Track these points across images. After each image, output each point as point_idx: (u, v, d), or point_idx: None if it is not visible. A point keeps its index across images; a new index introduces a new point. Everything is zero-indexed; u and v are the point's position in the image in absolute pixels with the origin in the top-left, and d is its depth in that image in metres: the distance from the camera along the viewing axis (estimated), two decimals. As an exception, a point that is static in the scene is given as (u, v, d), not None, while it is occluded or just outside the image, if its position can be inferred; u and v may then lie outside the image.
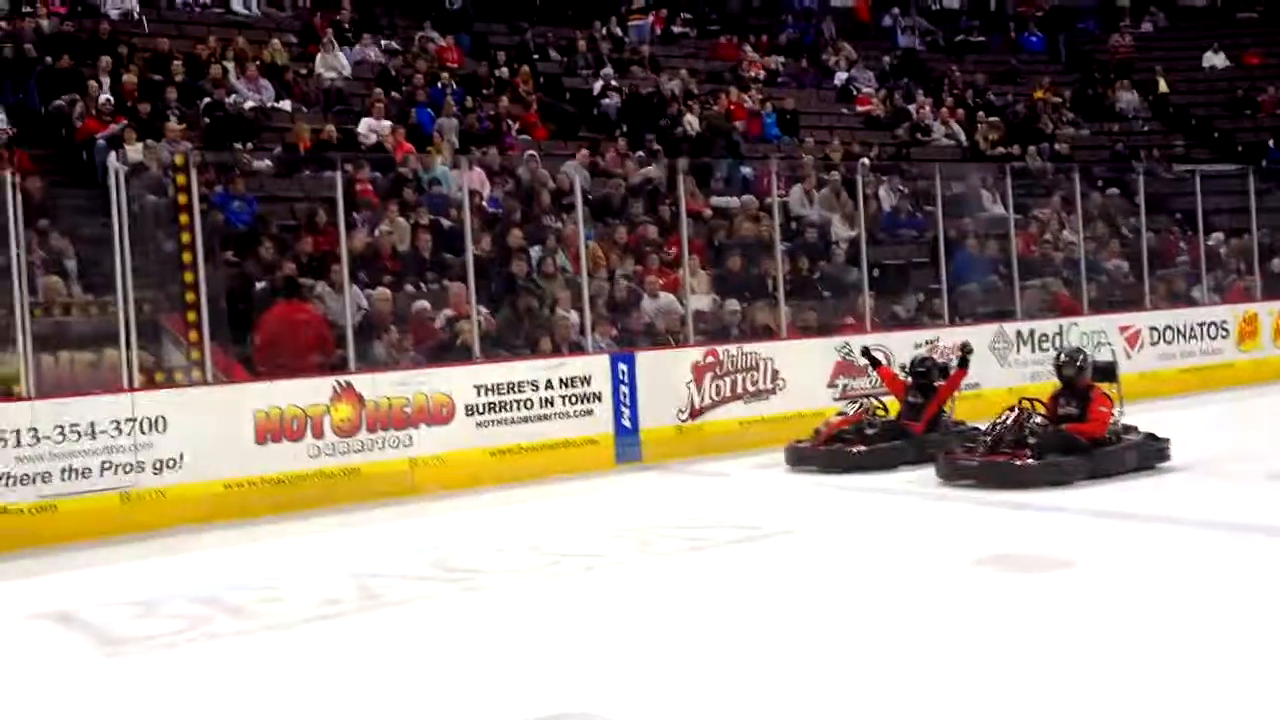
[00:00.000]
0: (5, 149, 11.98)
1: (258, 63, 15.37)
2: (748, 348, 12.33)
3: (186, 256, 9.83)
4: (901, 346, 12.87)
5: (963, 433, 10.73)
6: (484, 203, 13.49)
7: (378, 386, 10.14)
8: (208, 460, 9.32)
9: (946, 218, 14.67)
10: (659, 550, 7.93)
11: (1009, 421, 9.70)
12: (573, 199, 12.58)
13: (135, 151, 12.17)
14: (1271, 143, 22.09)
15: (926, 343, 13.21)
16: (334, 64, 16.21)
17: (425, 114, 15.35)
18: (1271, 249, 17.33)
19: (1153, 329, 15.20)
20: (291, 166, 13.52)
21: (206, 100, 14.17)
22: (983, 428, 10.12)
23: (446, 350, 11.14)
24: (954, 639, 5.63)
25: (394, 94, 15.54)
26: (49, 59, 14.15)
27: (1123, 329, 14.86)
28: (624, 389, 11.45)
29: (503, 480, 10.46)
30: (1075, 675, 5.01)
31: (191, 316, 9.73)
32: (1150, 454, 9.79)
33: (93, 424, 8.91)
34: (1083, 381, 9.93)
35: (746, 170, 16.29)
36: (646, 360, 11.71)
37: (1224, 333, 15.86)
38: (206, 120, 13.88)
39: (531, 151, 14.93)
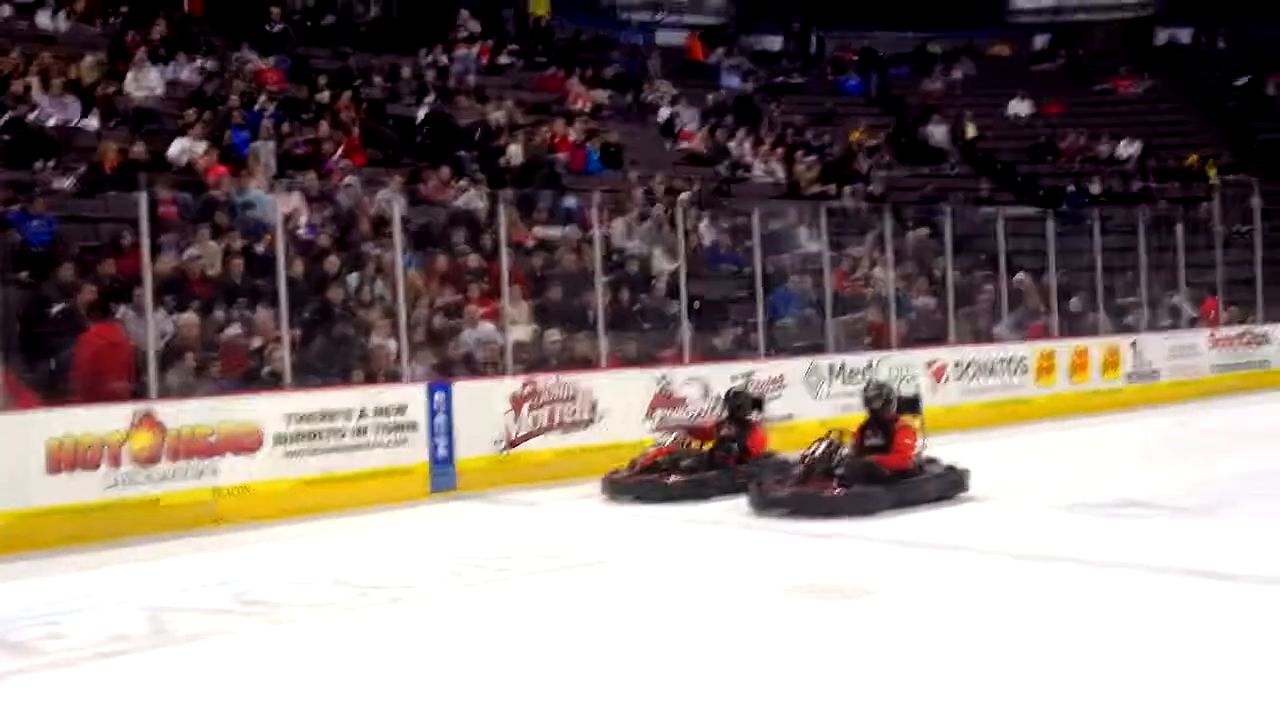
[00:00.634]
0: None
1: (64, 79, 14.79)
2: (566, 378, 12.34)
3: (-23, 276, 9.38)
4: (719, 378, 13.06)
5: (775, 463, 10.92)
6: (301, 229, 13.22)
7: (181, 414, 9.80)
8: (-5, 490, 8.86)
9: (765, 253, 15.00)
10: (468, 581, 7.85)
11: (818, 453, 9.93)
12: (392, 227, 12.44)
13: (-73, 166, 11.62)
14: (1071, 187, 23.23)
15: (743, 375, 13.44)
16: (145, 83, 15.70)
17: (241, 136, 14.98)
18: (1069, 289, 18.18)
19: (957, 364, 15.75)
20: (96, 186, 13.04)
21: (8, 116, 13.57)
22: (794, 458, 10.34)
23: (255, 378, 10.85)
24: (757, 666, 5.69)
25: (208, 114, 15.13)
26: None
27: (929, 364, 15.38)
28: (440, 418, 11.32)
29: (313, 511, 10.20)
30: (872, 701, 5.11)
31: (-20, 339, 9.27)
32: (950, 485, 10.12)
33: None
34: (888, 414, 10.22)
35: (570, 202, 16.34)
36: (464, 390, 11.60)
37: (1023, 369, 16.55)
38: (6, 137, 13.29)
39: (351, 177, 14.72)
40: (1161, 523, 8.92)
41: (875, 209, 17.73)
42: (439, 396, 11.34)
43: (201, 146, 14.19)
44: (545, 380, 12.16)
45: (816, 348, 14.78)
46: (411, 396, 11.19)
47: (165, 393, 9.98)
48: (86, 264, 11.15)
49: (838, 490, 9.54)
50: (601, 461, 11.41)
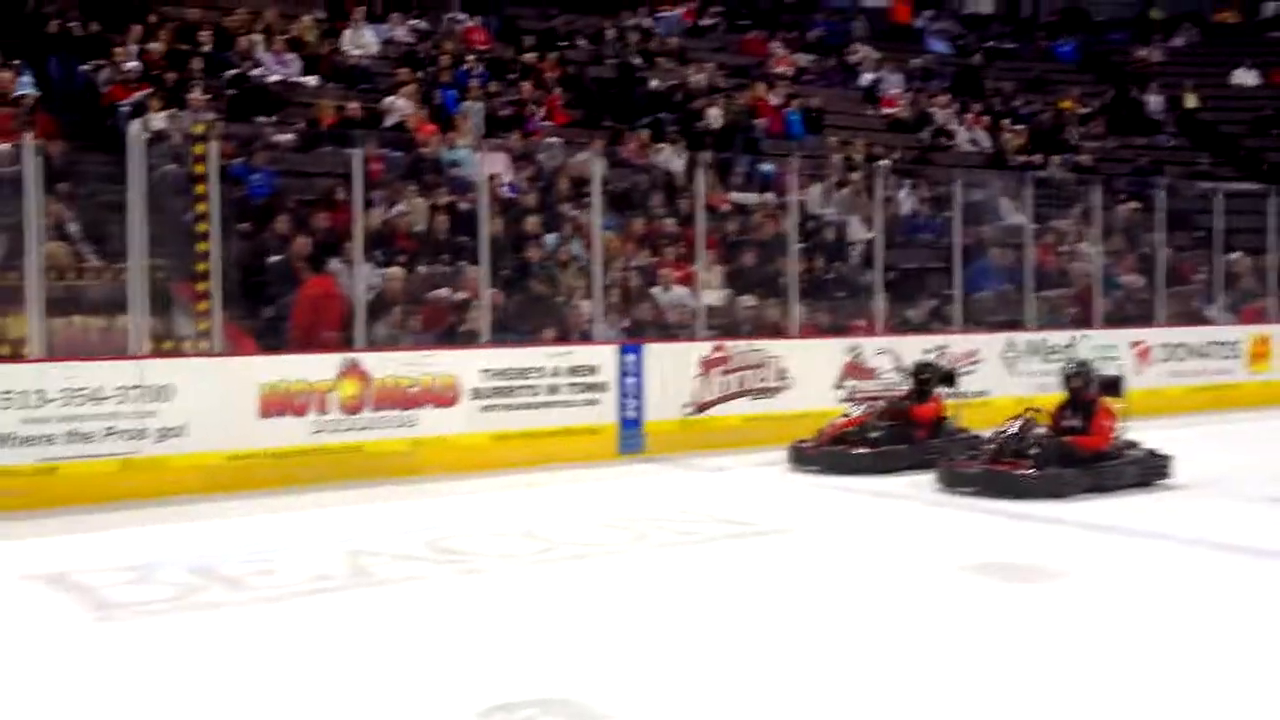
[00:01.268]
0: (29, 114, 12.06)
1: (285, 37, 15.44)
2: (757, 344, 12.36)
3: (202, 226, 9.91)
4: (911, 350, 12.88)
5: (965, 440, 10.74)
6: (503, 187, 13.53)
7: (384, 365, 10.20)
8: (211, 431, 9.39)
9: (965, 224, 14.69)
10: (653, 542, 7.97)
11: (1012, 431, 9.73)
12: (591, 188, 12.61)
13: (159, 120, 12.29)
14: (1297, 164, 21.98)
15: (936, 348, 13.22)
16: (361, 42, 16.25)
17: (450, 95, 15.39)
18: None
19: (1164, 345, 15.16)
20: (313, 142, 13.58)
21: (232, 72, 14.24)
22: (986, 436, 10.15)
23: (455, 333, 11.19)
24: (937, 644, 5.66)
25: (419, 74, 15.58)
26: (78, 25, 14.25)
27: (1134, 344, 14.84)
28: (630, 380, 11.48)
29: (505, 465, 10.52)
30: (1056, 685, 5.03)
31: (203, 286, 9.80)
32: (1150, 470, 9.79)
33: (99, 389, 8.99)
34: (1088, 395, 9.92)
35: (767, 167, 16.26)
36: (654, 352, 11.73)
37: (1235, 353, 15.81)
38: (231, 92, 13.94)
39: (554, 138, 14.97)
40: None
41: (1083, 181, 17.12)
42: (630, 358, 11.50)
43: (412, 105, 14.62)
44: (736, 345, 12.20)
45: (1014, 323, 14.43)
46: (603, 357, 11.38)
47: (371, 344, 10.40)
48: (302, 217, 11.64)
49: (1030, 471, 9.33)
50: (789, 429, 11.41)
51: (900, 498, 9.57)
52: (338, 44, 16.07)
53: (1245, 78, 24.97)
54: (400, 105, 14.54)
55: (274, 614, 6.24)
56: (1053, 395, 10.49)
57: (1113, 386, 10.32)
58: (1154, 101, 23.09)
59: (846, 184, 15.96)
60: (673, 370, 11.76)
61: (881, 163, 16.80)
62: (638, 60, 18.18)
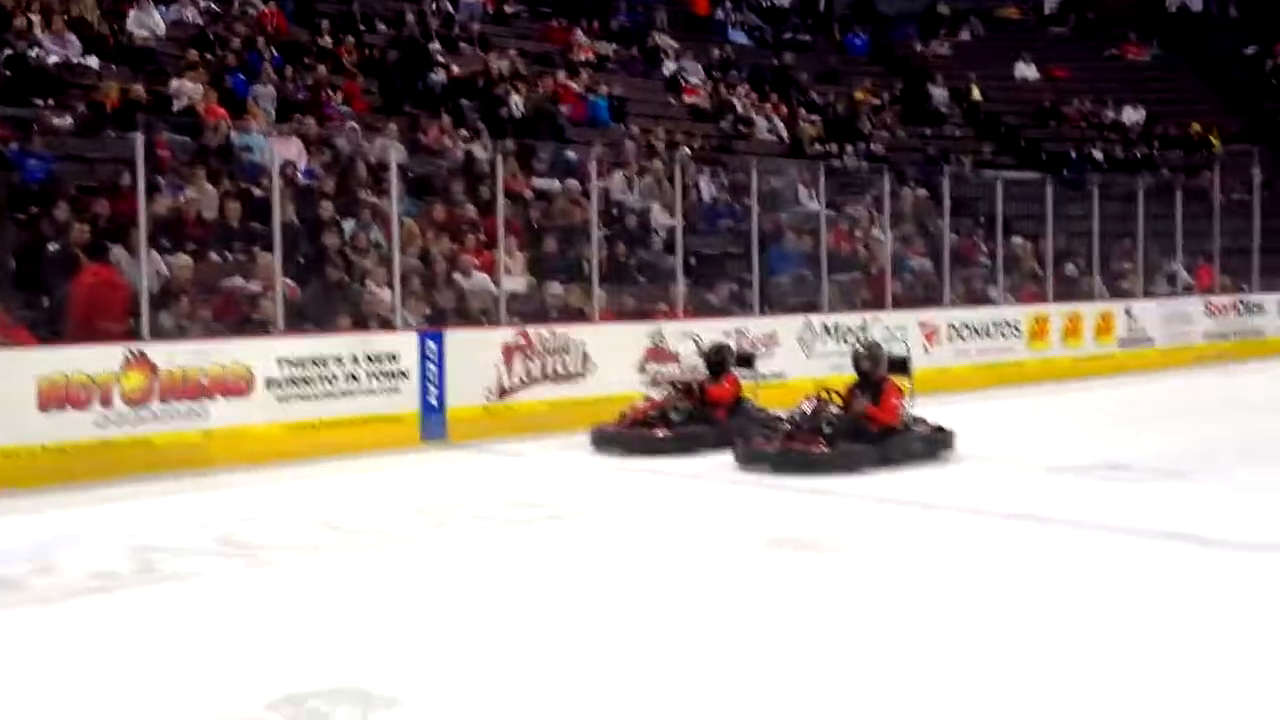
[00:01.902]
0: None
1: (65, 16, 14.74)
2: (559, 330, 12.40)
3: (-27, 213, 9.42)
4: (712, 334, 13.09)
5: (763, 420, 10.99)
6: (298, 173, 13.23)
7: (173, 356, 9.87)
8: (-15, 426, 8.95)
9: (763, 211, 15.03)
10: (452, 529, 7.93)
11: (806, 410, 10.01)
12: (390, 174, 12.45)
13: (-72, 103, 11.61)
14: (1073, 153, 23.16)
15: (736, 331, 13.50)
16: (147, 22, 15.65)
17: (240, 79, 14.96)
18: (1066, 254, 18.19)
19: (950, 326, 15.81)
20: (95, 126, 13.01)
21: (7, 53, 13.54)
22: (783, 415, 10.42)
23: (249, 322, 10.90)
24: (730, 617, 5.78)
25: (209, 57, 15.10)
26: None
27: (922, 325, 15.42)
28: (432, 367, 11.39)
29: (302, 456, 10.29)
30: (845, 652, 5.21)
31: (-26, 276, 9.32)
32: (936, 444, 10.21)
33: None
34: (877, 374, 10.28)
35: (570, 154, 16.33)
36: (456, 339, 11.66)
37: (1017, 332, 16.60)
38: (7, 73, 13.27)
39: (352, 124, 14.71)
40: (1142, 486, 8.98)
41: (876, 169, 17.71)
42: (431, 345, 11.40)
43: (201, 89, 14.16)
44: (538, 331, 12.21)
45: (811, 306, 14.83)
46: (404, 344, 11.26)
47: (158, 334, 10.05)
48: (83, 204, 11.17)
49: (824, 447, 9.62)
50: (592, 414, 11.49)
51: (699, 478, 9.74)
52: (122, 24, 15.44)
53: (1026, 71, 26.20)
54: (189, 89, 14.06)
55: (53, 615, 5.99)
56: (847, 375, 10.82)
57: (901, 366, 10.71)
58: (940, 94, 24.00)
59: (648, 171, 16.14)
60: (475, 357, 11.71)
61: (682, 151, 17.07)
62: (438, 46, 17.99)
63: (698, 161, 17.20)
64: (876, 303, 15.52)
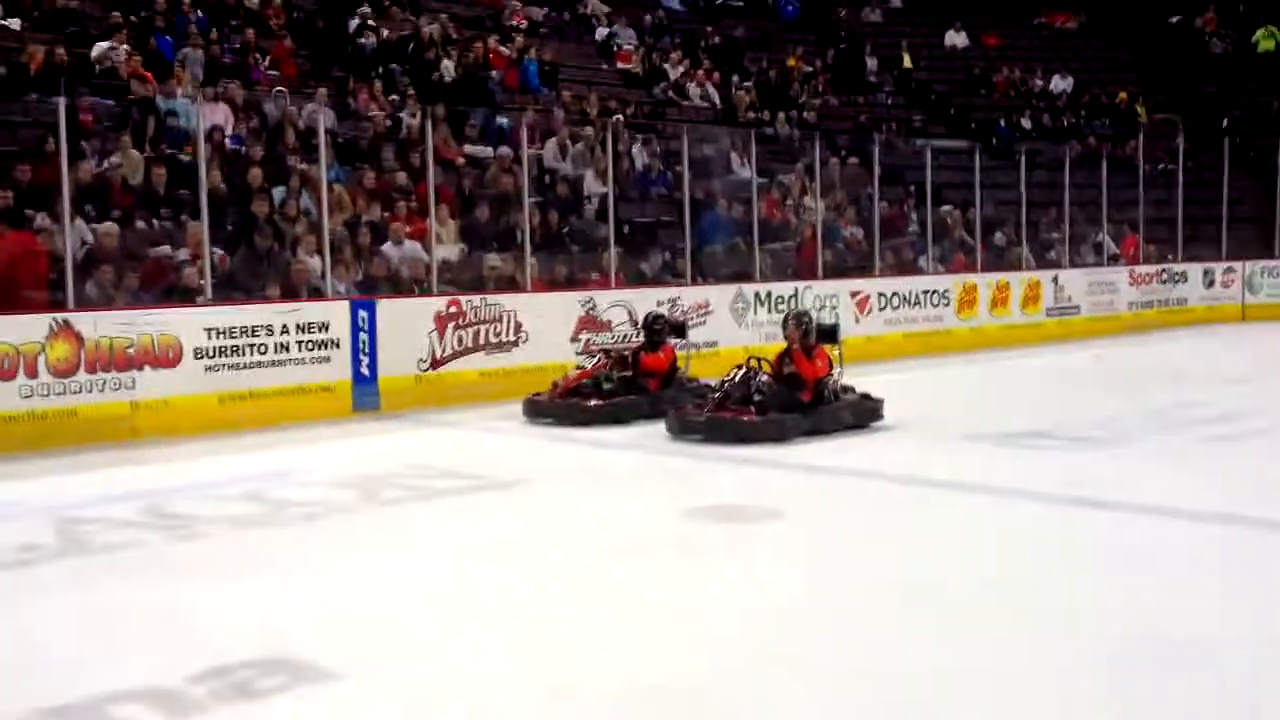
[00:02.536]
0: None
1: (-17, -23, 14.41)
2: (491, 299, 12.38)
3: (-112, 181, 9.21)
4: (645, 303, 13.17)
5: (696, 389, 11.08)
6: (226, 139, 13.06)
7: (99, 325, 9.74)
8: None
9: (695, 179, 15.07)
10: (383, 499, 7.93)
11: (736, 379, 10.09)
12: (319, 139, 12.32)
13: None
14: (1002, 122, 23.42)
15: (669, 300, 13.56)
16: (69, -17, 15.31)
17: (166, 42, 14.71)
18: (995, 223, 18.43)
19: (880, 295, 15.98)
20: (16, 90, 12.76)
21: (-79, 13, 13.25)
22: (715, 384, 10.50)
23: (176, 290, 10.79)
24: (658, 585, 5.85)
25: (133, 19, 14.82)
26: None
27: (853, 294, 15.58)
28: (364, 336, 11.34)
29: (233, 427, 10.24)
30: (772, 619, 5.30)
31: (-111, 245, 9.13)
32: (865, 413, 10.35)
33: None
34: (808, 343, 10.38)
35: (503, 121, 16.26)
36: (388, 308, 11.61)
37: (946, 301, 16.82)
38: (-78, 36, 12.99)
39: (280, 88, 14.54)
40: (1060, 454, 9.18)
41: (807, 137, 17.81)
42: (362, 314, 11.35)
43: (124, 51, 13.90)
44: (470, 300, 12.19)
45: (744, 275, 14.92)
46: (334, 314, 11.19)
47: (83, 303, 9.91)
48: (4, 169, 10.97)
49: (754, 416, 9.72)
50: (525, 384, 11.52)
51: (632, 447, 9.81)
52: (43, -15, 15.10)
53: (956, 39, 26.40)
54: (113, 52, 13.81)
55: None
56: (778, 344, 10.92)
57: (829, 335, 10.83)
58: (872, 61, 24.13)
59: (580, 139, 16.10)
60: (407, 326, 11.67)
61: (615, 118, 17.04)
62: (367, 9, 17.77)
63: (630, 129, 17.19)
64: (808, 272, 15.64)
